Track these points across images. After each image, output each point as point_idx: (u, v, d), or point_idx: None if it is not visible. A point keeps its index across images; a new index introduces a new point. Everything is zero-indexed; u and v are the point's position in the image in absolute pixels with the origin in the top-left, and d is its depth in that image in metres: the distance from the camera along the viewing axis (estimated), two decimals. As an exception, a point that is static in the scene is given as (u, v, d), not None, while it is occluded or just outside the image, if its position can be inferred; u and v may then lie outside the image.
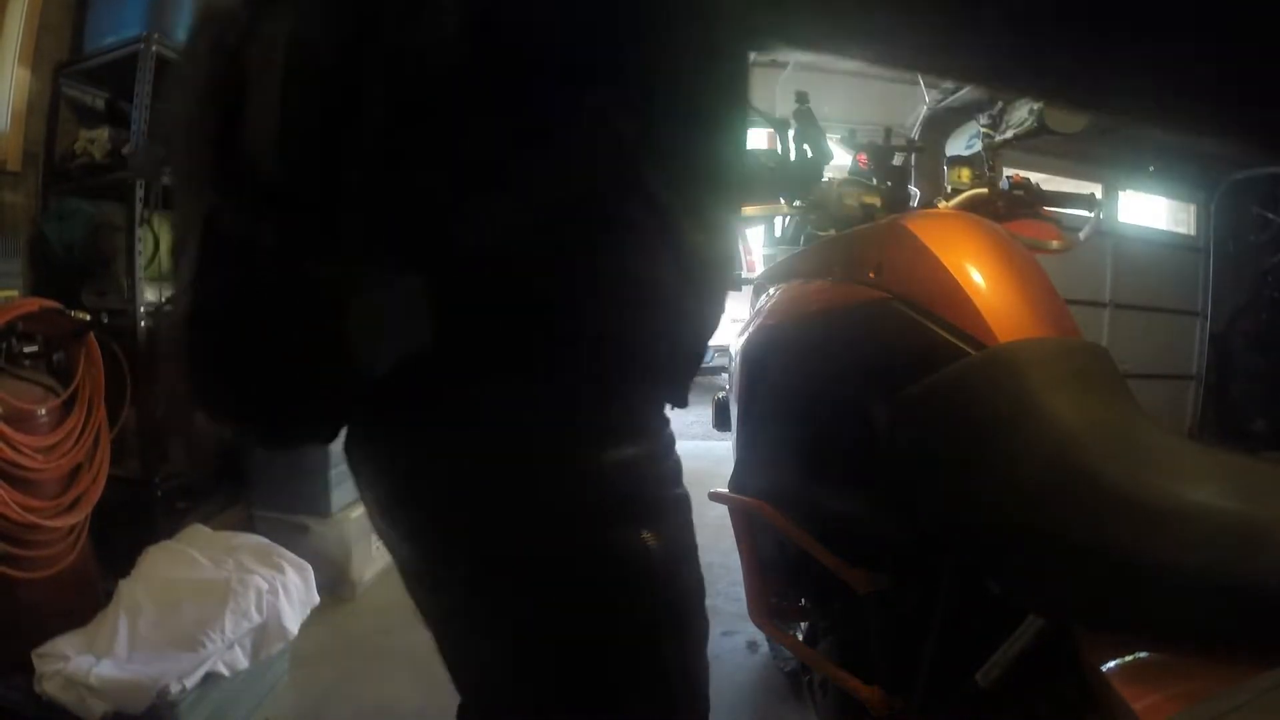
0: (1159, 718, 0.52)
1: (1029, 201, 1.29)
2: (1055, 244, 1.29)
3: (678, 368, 0.59)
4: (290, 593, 1.62)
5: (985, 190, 1.28)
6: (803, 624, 1.34)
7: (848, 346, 0.95)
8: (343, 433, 0.60)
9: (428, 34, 0.47)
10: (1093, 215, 1.38)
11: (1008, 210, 1.27)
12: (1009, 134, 1.37)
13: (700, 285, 0.57)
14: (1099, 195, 1.38)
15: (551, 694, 0.57)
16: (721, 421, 1.57)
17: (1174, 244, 4.75)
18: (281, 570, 1.64)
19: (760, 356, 1.14)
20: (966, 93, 3.24)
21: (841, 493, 0.95)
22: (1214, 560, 0.55)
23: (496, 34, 0.48)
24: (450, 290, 0.51)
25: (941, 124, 3.62)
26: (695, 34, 0.51)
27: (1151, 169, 4.08)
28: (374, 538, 2.21)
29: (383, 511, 0.60)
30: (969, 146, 3.29)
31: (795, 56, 1.59)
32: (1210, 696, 0.48)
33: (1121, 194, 4.46)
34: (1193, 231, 4.81)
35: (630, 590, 0.56)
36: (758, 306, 1.23)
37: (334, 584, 2.11)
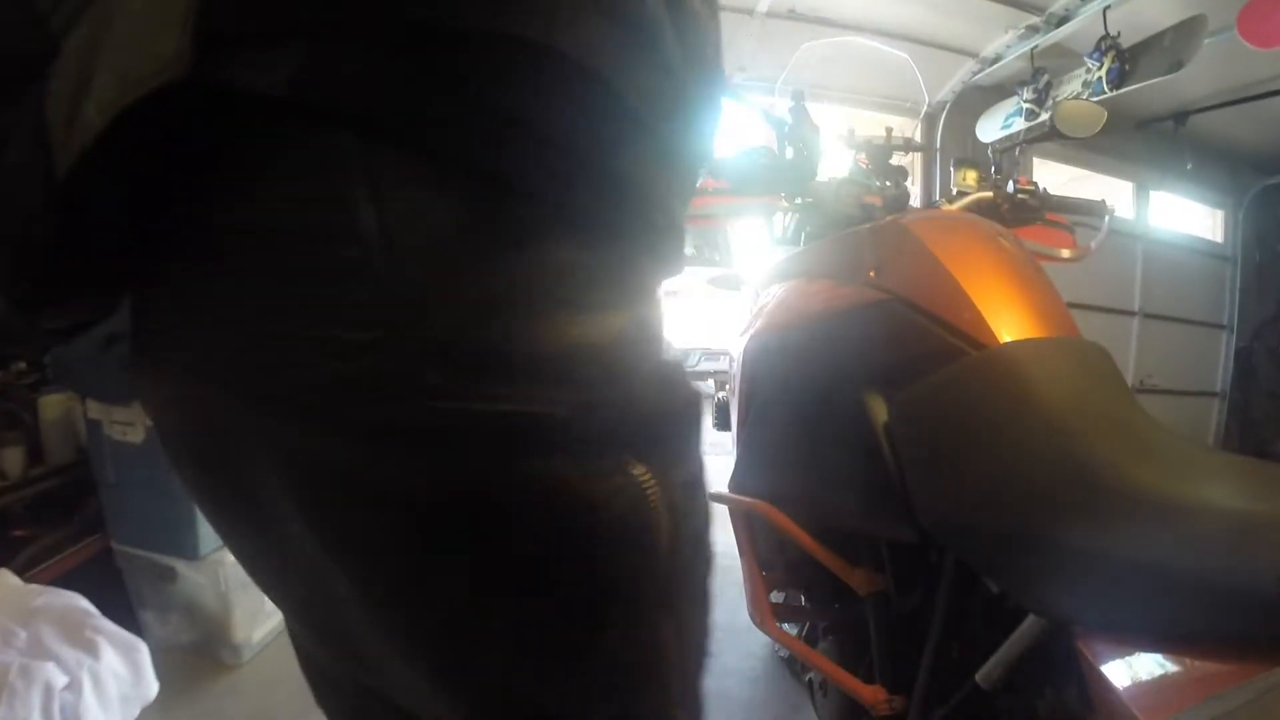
0: (1159, 718, 0.52)
1: (1035, 206, 1.28)
2: (1067, 252, 1.28)
3: None
4: (104, 687, 1.11)
5: (991, 194, 1.27)
6: (803, 624, 1.33)
7: (847, 346, 0.95)
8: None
9: None
10: (1104, 221, 1.37)
11: (1014, 215, 1.27)
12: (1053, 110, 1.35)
13: None
14: (1109, 203, 1.36)
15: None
16: (722, 421, 1.57)
17: (1202, 250, 4.49)
18: (94, 652, 1.12)
19: (760, 356, 1.14)
20: (1001, 66, 3.05)
21: (841, 493, 0.95)
22: (1214, 559, 0.55)
23: None
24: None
25: (970, 103, 3.36)
26: None
27: (1190, 166, 3.87)
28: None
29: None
30: (1005, 125, 3.14)
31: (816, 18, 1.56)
32: (1210, 696, 0.48)
33: (1153, 193, 4.18)
34: (1220, 239, 4.54)
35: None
36: (758, 307, 1.23)
37: (210, 645, 1.58)
